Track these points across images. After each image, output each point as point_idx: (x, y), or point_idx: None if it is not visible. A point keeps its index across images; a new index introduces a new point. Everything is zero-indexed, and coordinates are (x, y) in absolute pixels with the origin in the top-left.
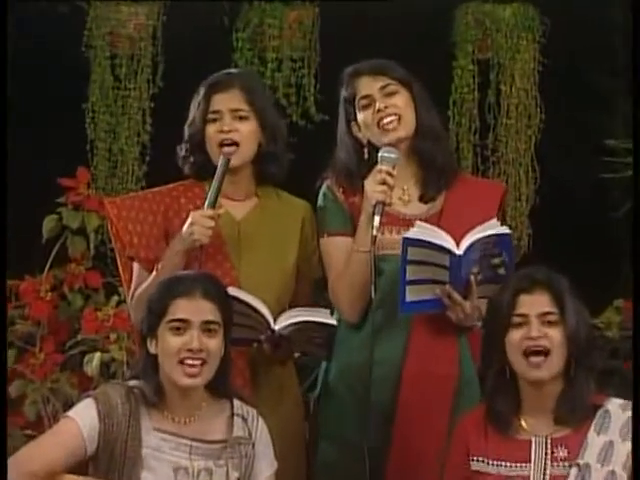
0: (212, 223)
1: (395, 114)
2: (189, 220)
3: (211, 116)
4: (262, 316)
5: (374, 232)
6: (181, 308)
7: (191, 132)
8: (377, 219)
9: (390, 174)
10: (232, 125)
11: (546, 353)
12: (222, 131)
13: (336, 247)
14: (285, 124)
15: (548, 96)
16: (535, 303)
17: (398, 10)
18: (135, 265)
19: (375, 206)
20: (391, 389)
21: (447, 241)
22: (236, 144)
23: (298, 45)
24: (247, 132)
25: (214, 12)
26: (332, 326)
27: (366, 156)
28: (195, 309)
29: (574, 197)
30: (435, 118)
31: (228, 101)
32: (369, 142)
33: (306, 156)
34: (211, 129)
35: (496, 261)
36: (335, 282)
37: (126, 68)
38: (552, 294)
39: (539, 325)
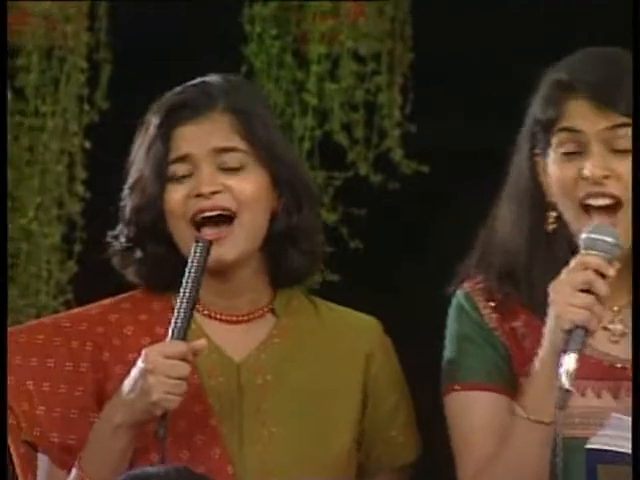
0: (186, 369)
1: (612, 196)
2: (141, 365)
3: (175, 168)
4: None
5: (566, 384)
6: None
7: (137, 203)
8: (572, 360)
9: (603, 274)
10: (215, 181)
11: None
12: (199, 195)
13: (479, 411)
14: (307, 175)
15: None
16: None
17: None
18: (40, 459)
19: (570, 334)
20: None
21: None
22: (227, 217)
23: (369, 29)
24: (248, 192)
25: None
26: None
27: (549, 227)
28: None
29: None
30: None
31: (205, 136)
32: (555, 206)
33: (387, 240)
34: (176, 194)
35: None
36: (476, 476)
37: (38, 75)
38: None
39: None
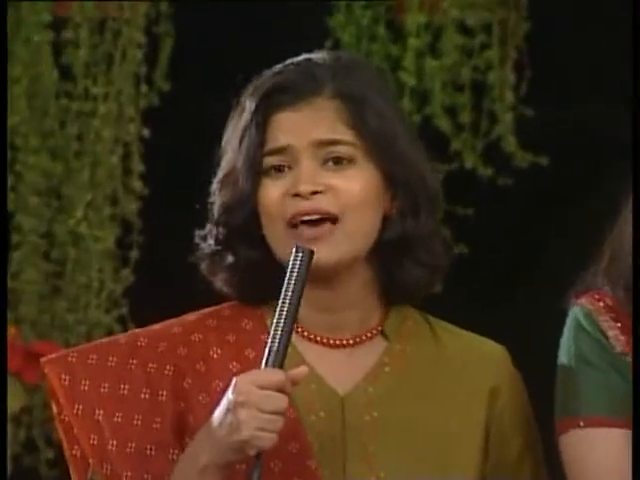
0: (283, 402)
1: None
2: (231, 396)
3: (271, 161)
4: None
5: None
6: None
7: (228, 200)
8: None
9: None
10: (316, 179)
11: None
12: (297, 195)
13: (608, 451)
14: (435, 171)
15: None
16: None
17: None
18: None
19: None
20: None
21: None
22: (329, 220)
23: None
24: (354, 192)
25: None
26: None
27: None
28: None
29: None
30: None
31: (307, 126)
32: None
33: (497, 244)
34: (271, 191)
35: None
36: None
37: (88, 51)
38: None
39: None
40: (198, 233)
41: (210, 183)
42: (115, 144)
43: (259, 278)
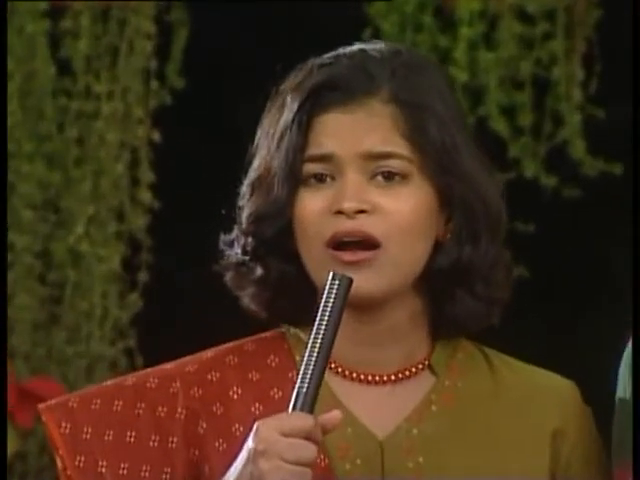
0: (311, 452)
1: None
2: (252, 444)
3: (311, 169)
4: None
5: None
6: None
7: (259, 208)
8: None
9: None
10: (362, 196)
11: None
12: (339, 212)
13: None
14: (499, 185)
15: None
16: None
17: None
18: None
19: None
20: None
21: None
22: (372, 244)
23: None
24: (403, 215)
25: None
26: None
27: None
28: None
29: None
30: None
31: (358, 133)
32: None
33: (562, 266)
34: (310, 204)
35: None
36: None
37: (90, 43)
38: None
39: None
40: (223, 238)
41: (230, 193)
42: (121, 149)
43: (292, 295)
